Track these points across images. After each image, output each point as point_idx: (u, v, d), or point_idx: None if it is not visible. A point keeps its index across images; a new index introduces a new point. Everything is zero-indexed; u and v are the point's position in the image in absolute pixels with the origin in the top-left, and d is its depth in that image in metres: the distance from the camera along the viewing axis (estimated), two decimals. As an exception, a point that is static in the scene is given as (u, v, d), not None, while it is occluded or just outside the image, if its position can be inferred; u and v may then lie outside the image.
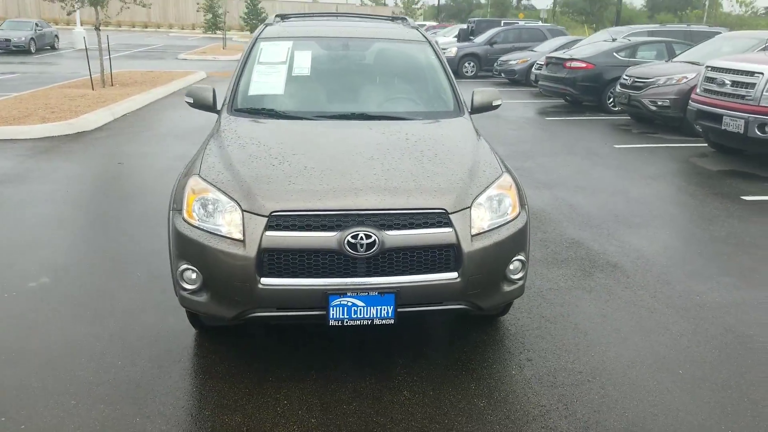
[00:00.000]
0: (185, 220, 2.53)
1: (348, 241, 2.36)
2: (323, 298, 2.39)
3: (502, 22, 22.27)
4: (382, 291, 2.41)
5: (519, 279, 2.71)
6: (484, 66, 17.13)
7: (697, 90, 7.18)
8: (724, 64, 6.82)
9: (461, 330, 3.17)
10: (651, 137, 8.61)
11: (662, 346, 3.04)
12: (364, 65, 3.83)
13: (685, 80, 8.51)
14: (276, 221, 2.39)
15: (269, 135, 3.05)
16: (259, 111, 3.37)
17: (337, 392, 2.62)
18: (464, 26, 22.30)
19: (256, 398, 2.57)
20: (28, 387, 2.62)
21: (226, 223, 2.45)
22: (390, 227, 2.42)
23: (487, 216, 2.58)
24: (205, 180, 2.59)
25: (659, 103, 8.72)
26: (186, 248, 2.49)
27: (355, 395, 2.60)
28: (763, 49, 7.50)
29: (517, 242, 2.64)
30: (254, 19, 33.63)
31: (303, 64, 3.64)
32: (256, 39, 3.81)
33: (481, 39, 18.15)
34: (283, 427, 2.40)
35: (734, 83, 6.53)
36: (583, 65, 10.91)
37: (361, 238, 2.36)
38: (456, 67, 16.59)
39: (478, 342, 3.05)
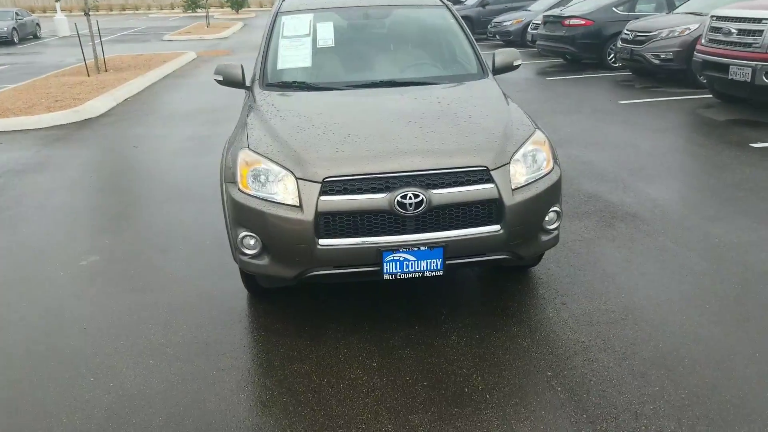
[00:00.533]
0: (241, 191, 2.68)
1: (398, 201, 2.51)
2: (377, 255, 2.56)
3: None
4: (431, 245, 2.58)
5: (554, 229, 2.88)
6: (477, 29, 16.67)
7: (702, 41, 7.20)
8: (729, 12, 6.79)
9: (495, 282, 3.36)
10: (655, 91, 8.68)
11: (687, 285, 3.23)
12: (385, 33, 3.91)
13: (687, 32, 8.52)
14: (329, 186, 2.54)
15: (306, 106, 3.17)
16: (291, 84, 3.47)
17: (390, 340, 2.83)
18: (453, -11, 21.82)
19: (318, 349, 2.78)
20: (107, 352, 2.82)
21: (281, 191, 2.59)
22: (436, 186, 2.57)
23: (524, 171, 2.73)
24: (255, 152, 2.72)
25: (662, 56, 8.74)
26: (245, 216, 2.64)
27: (408, 342, 2.81)
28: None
29: (553, 194, 2.80)
30: None
31: (326, 35, 3.72)
32: (277, 14, 3.88)
33: (472, 1, 17.74)
34: (348, 371, 2.62)
35: (741, 31, 6.50)
36: (583, 22, 10.85)
37: (410, 198, 2.52)
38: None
39: (512, 291, 3.24)
